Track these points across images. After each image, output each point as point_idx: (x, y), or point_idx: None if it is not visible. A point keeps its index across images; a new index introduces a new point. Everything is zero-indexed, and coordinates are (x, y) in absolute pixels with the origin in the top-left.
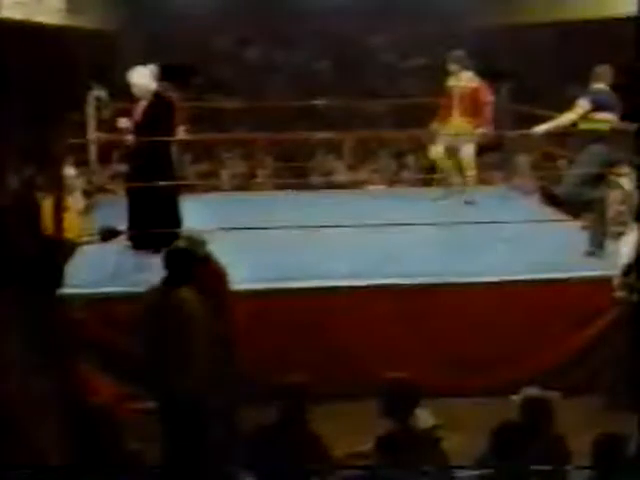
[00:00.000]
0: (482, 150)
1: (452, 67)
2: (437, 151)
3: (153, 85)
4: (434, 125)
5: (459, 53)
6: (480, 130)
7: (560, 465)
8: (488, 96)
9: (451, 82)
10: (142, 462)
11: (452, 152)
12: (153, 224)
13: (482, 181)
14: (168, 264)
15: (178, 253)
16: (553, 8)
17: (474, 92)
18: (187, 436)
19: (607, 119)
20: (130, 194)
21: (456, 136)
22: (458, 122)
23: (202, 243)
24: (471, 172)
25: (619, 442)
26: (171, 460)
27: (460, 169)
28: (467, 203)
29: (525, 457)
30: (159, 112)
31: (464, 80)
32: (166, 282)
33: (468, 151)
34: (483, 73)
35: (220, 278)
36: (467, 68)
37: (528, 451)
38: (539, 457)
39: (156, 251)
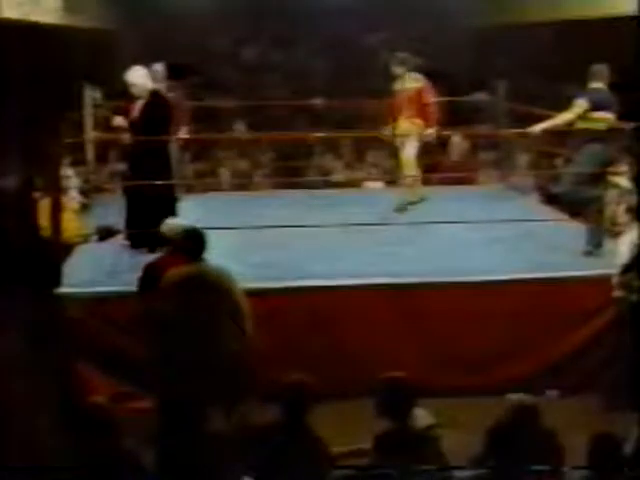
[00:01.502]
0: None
1: (397, 70)
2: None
3: (150, 84)
4: (385, 131)
5: (403, 55)
6: (428, 130)
7: (555, 465)
8: (431, 96)
9: (397, 85)
10: (141, 462)
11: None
12: (150, 223)
13: (477, 180)
14: (195, 241)
15: (197, 230)
16: (551, 7)
17: (417, 93)
18: (194, 432)
19: (605, 118)
20: (127, 193)
21: (401, 137)
22: (404, 124)
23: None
24: (410, 173)
25: (615, 442)
26: (174, 459)
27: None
28: (397, 211)
29: (519, 456)
30: (156, 111)
31: (409, 82)
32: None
33: (409, 152)
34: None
35: None
36: (413, 69)
37: (522, 450)
38: (534, 456)
39: (152, 250)
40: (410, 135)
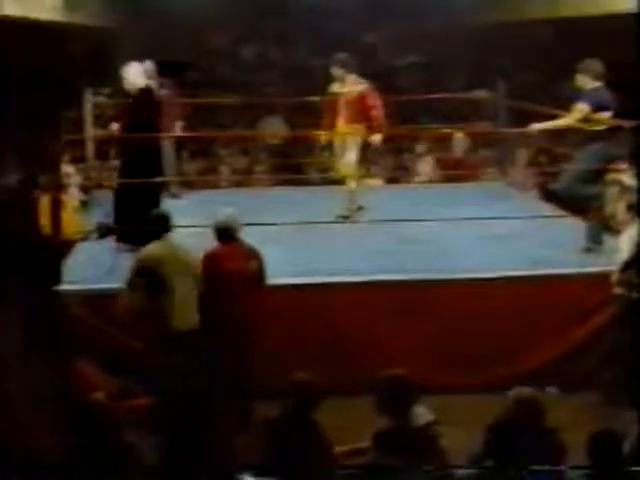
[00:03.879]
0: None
1: (336, 72)
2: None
3: (140, 81)
4: (320, 134)
5: (343, 56)
6: (374, 135)
7: (555, 463)
8: (376, 99)
9: (335, 88)
10: (141, 460)
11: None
12: (136, 220)
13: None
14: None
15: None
16: (551, 5)
17: (360, 97)
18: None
19: (605, 118)
20: (117, 190)
21: (342, 143)
22: (344, 130)
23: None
24: (352, 180)
25: (616, 439)
26: (172, 457)
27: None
28: (341, 217)
29: (519, 454)
30: (141, 108)
31: (349, 84)
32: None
33: (349, 159)
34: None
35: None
36: (352, 71)
37: (522, 449)
38: (534, 455)
39: (137, 245)
40: (351, 140)
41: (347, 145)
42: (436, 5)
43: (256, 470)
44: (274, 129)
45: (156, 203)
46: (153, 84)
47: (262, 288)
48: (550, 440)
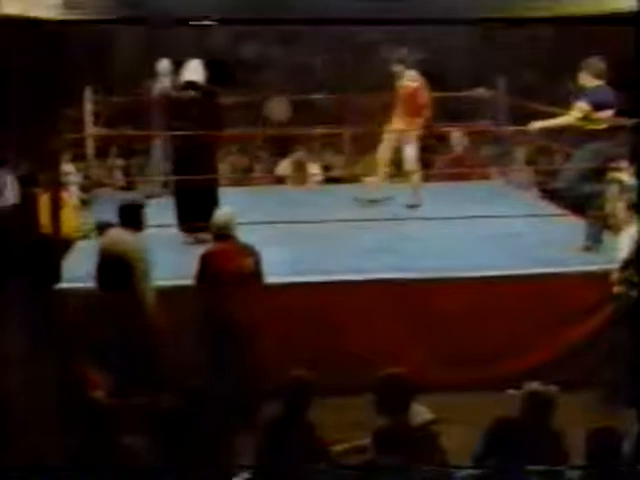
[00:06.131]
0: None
1: (396, 68)
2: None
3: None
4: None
5: (402, 52)
6: (419, 131)
7: (558, 463)
8: (425, 97)
9: (397, 83)
10: (140, 458)
11: (396, 154)
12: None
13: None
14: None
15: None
16: (551, 4)
17: (413, 93)
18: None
19: (606, 117)
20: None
21: (398, 136)
22: (398, 124)
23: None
24: (414, 173)
25: (615, 437)
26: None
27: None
28: (410, 207)
29: (522, 454)
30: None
31: (406, 80)
32: None
33: (409, 152)
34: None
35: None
36: (410, 67)
37: (525, 448)
38: (536, 454)
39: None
40: (407, 135)
41: (403, 139)
42: (437, 3)
43: (253, 470)
44: (279, 108)
45: (216, 200)
46: (167, 82)
47: (259, 286)
48: (553, 440)
